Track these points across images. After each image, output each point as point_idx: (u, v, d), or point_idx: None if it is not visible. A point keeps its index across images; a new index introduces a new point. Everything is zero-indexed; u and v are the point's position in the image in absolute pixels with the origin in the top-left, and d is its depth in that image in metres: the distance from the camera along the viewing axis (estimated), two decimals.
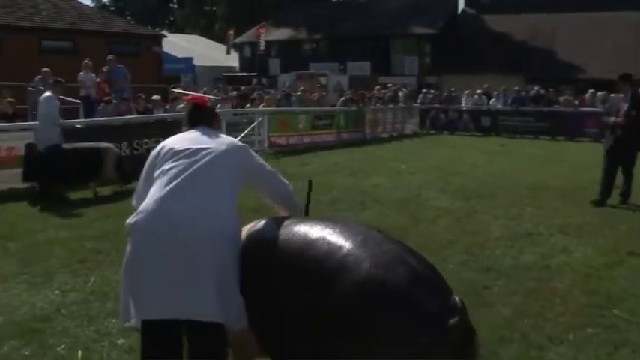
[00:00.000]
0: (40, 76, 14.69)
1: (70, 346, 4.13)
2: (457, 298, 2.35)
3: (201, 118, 3.28)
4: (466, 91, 23.29)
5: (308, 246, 2.60)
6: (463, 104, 22.87)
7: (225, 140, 3.15)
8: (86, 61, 14.96)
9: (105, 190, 9.60)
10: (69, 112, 15.61)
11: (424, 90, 25.45)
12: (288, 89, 21.88)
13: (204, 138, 3.11)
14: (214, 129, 3.27)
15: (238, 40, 43.10)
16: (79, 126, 11.19)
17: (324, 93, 23.40)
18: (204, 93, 21.29)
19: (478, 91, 23.25)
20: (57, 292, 5.13)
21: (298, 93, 20.58)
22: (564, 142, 18.99)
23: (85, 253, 6.19)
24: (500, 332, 4.35)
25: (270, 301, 2.69)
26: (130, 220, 2.85)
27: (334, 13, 41.65)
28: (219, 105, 17.19)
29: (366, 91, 22.08)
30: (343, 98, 20.44)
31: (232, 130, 15.20)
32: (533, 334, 4.35)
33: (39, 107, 9.67)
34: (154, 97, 15.37)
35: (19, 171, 9.61)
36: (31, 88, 15.20)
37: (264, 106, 16.91)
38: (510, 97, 21.95)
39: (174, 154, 3.01)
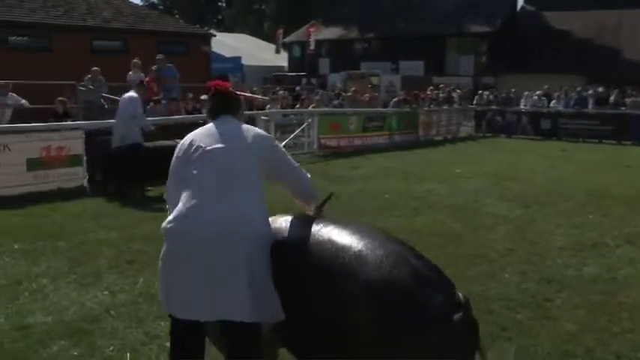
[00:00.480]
0: (89, 76, 15.13)
1: (119, 348, 4.21)
2: (461, 295, 2.51)
3: (226, 106, 3.34)
4: (525, 93, 22.95)
5: (318, 246, 2.78)
6: (522, 106, 22.51)
7: (250, 132, 3.24)
8: (135, 60, 15.30)
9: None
10: (114, 112, 16.05)
11: (480, 91, 25.16)
12: (339, 89, 21.91)
13: (231, 132, 3.19)
14: (238, 118, 3.35)
15: (288, 39, 43.43)
16: None
17: (376, 93, 23.33)
18: (253, 93, 21.50)
19: (538, 92, 22.85)
20: (106, 292, 5.24)
21: (349, 93, 20.59)
22: (631, 147, 18.44)
23: (133, 254, 6.32)
24: (563, 347, 4.24)
25: (286, 300, 2.87)
26: (165, 224, 3.00)
27: (386, 11, 41.49)
28: (268, 106, 17.36)
29: (419, 91, 21.92)
30: (395, 99, 20.35)
31: (282, 132, 15.36)
32: (599, 351, 4.22)
33: (120, 106, 10.14)
34: (203, 96, 15.61)
35: (69, 170, 9.92)
36: (81, 88, 15.66)
37: (314, 107, 16.95)
38: (572, 98, 21.49)
39: (203, 153, 3.10)
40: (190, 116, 13.36)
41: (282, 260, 2.90)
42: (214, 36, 29.14)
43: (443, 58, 38.92)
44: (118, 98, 15.98)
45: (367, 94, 21.14)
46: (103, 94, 15.32)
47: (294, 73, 41.23)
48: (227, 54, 36.87)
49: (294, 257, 2.86)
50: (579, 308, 4.99)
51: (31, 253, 6.41)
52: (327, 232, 2.86)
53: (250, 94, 20.20)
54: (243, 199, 2.98)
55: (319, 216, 3.36)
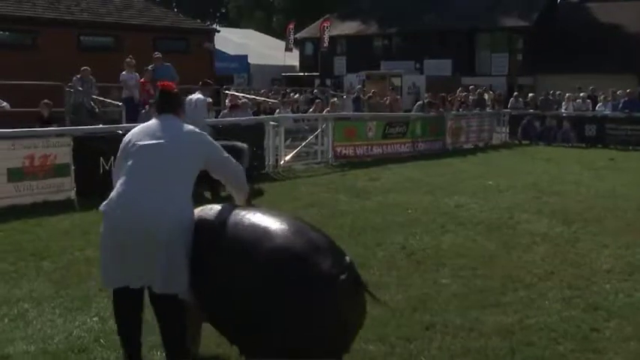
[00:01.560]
0: (78, 76, 15.25)
1: None
2: (347, 258, 3.48)
3: (169, 105, 4.26)
4: (567, 95, 22.88)
5: (235, 226, 3.76)
6: (563, 110, 22.43)
7: (186, 130, 4.18)
8: (129, 59, 15.44)
9: None
10: (108, 116, 16.14)
11: (515, 93, 25.11)
12: (357, 92, 21.98)
13: (167, 129, 4.12)
14: (179, 115, 4.27)
15: (299, 35, 43.66)
16: (120, 132, 11.51)
17: (398, 96, 23.43)
18: (260, 95, 21.60)
19: (581, 94, 22.74)
20: (95, 318, 5.25)
21: (368, 96, 20.62)
22: None
23: None
24: None
25: (205, 274, 3.81)
26: (102, 207, 4.01)
27: (409, 3, 41.54)
28: (278, 110, 17.44)
29: (446, 94, 21.92)
30: (420, 102, 20.39)
31: (292, 139, 15.41)
32: None
33: (187, 108, 10.48)
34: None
35: (55, 181, 9.99)
36: (69, 89, 15.77)
37: (328, 111, 17.00)
38: (621, 100, 21.36)
39: (138, 148, 4.05)
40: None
41: (206, 240, 3.84)
42: (218, 32, 29.37)
43: (473, 56, 38.94)
44: (109, 101, 16.15)
45: (388, 97, 21.17)
46: (93, 97, 15.45)
47: (306, 74, 41.47)
48: (232, 52, 37.13)
49: (216, 237, 3.79)
50: (631, 340, 4.93)
51: (12, 275, 6.44)
52: (242, 215, 3.82)
53: (256, 97, 20.31)
54: (169, 190, 3.92)
55: (247, 205, 4.25)
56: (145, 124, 4.26)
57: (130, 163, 4.02)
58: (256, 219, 3.75)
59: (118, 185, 4.01)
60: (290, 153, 14.71)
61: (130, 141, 4.13)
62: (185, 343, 4.06)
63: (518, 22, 37.60)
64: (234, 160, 4.36)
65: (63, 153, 10.23)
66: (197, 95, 11.30)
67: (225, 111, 15.60)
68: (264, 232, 3.61)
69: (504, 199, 10.96)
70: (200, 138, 4.20)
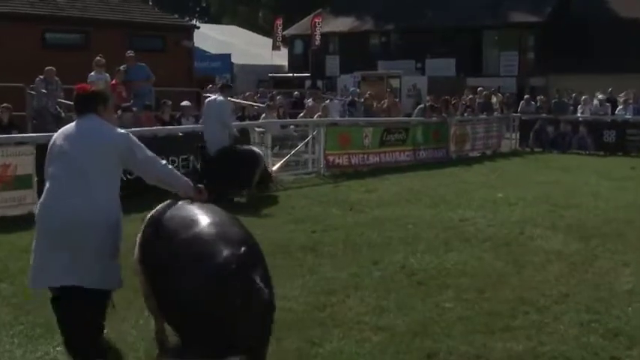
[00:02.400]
0: (42, 77, 15.17)
1: None
2: (243, 249, 4.11)
3: (87, 106, 4.78)
4: (583, 97, 22.91)
5: (169, 220, 4.52)
6: (579, 113, 22.49)
7: (106, 130, 4.71)
8: (98, 58, 15.38)
9: None
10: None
11: (526, 95, 25.18)
12: (352, 95, 21.99)
13: (87, 130, 4.68)
14: (101, 115, 4.79)
15: (288, 32, 43.79)
16: None
17: (397, 99, 23.44)
18: (245, 99, 21.61)
19: (600, 96, 22.78)
20: (59, 348, 5.19)
21: (363, 99, 20.64)
22: None
23: None
24: None
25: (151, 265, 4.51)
26: (34, 209, 4.85)
27: None
28: (263, 115, 17.42)
29: (450, 97, 21.94)
30: (421, 106, 20.40)
31: (280, 146, 15.40)
32: None
33: (210, 110, 12.07)
34: (184, 103, 15.69)
35: (15, 194, 9.92)
36: (31, 92, 15.69)
37: (319, 116, 17.00)
38: None
39: (59, 151, 4.65)
40: (168, 128, 13.39)
41: (143, 235, 4.63)
42: (197, 28, 29.36)
43: (479, 55, 39.12)
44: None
45: (385, 101, 21.19)
46: (59, 100, 15.38)
47: (295, 74, 41.52)
48: (213, 50, 37.19)
49: (151, 231, 4.55)
50: None
51: None
52: (174, 210, 4.59)
53: (241, 101, 20.30)
54: (93, 192, 4.50)
55: (195, 200, 4.80)
56: (67, 126, 4.85)
57: (51, 167, 4.67)
58: (186, 212, 4.53)
59: (44, 190, 4.68)
60: (277, 162, 14.68)
61: (52, 145, 4.76)
62: (98, 342, 4.70)
63: (528, 18, 37.79)
64: (159, 161, 4.86)
65: (24, 163, 10.13)
66: (218, 97, 12.19)
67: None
68: (186, 223, 4.38)
69: (514, 212, 10.98)
70: (116, 138, 4.70)
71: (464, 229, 9.64)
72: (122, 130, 4.85)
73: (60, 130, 4.83)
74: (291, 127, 16.94)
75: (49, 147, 4.78)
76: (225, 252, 4.10)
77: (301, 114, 18.41)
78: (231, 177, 11.41)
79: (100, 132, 4.67)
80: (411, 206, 11.46)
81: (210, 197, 4.92)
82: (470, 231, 9.49)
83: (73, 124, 4.79)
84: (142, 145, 4.82)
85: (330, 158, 15.62)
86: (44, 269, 4.56)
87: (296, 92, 28.43)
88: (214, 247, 4.15)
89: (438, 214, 10.78)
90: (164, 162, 4.93)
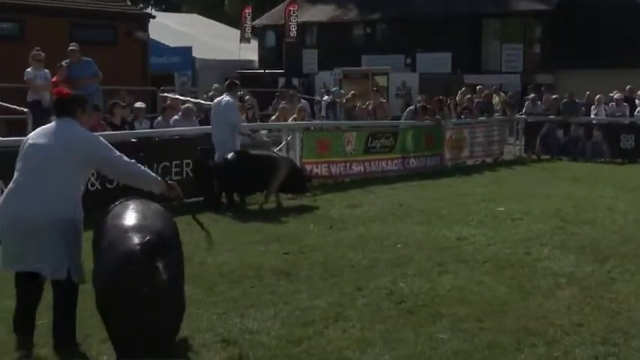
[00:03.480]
0: None
1: None
2: (148, 237, 5.02)
3: (63, 109, 5.80)
4: (597, 96, 22.96)
5: (113, 218, 5.56)
6: (593, 115, 22.61)
7: (74, 132, 5.70)
8: (36, 52, 15.24)
9: None
10: (11, 124, 15.93)
11: (532, 94, 25.26)
12: (333, 95, 21.97)
13: (57, 132, 5.68)
14: (79, 118, 5.83)
15: (258, 22, 43.80)
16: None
17: (384, 100, 23.42)
18: (210, 99, 21.51)
19: (617, 94, 22.84)
20: None
21: (345, 100, 20.64)
22: None
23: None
24: None
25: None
26: None
27: None
28: None
29: (445, 96, 22.02)
30: (411, 107, 20.41)
31: None
32: None
33: (218, 112, 13.27)
34: (137, 104, 15.57)
35: None
36: None
37: (295, 120, 17.00)
38: None
39: (27, 149, 5.69)
40: (118, 133, 13.28)
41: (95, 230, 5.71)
42: (153, 17, 29.27)
43: (478, 48, 39.30)
44: (11, 106, 15.95)
45: (371, 101, 21.20)
46: None
47: (267, 71, 41.54)
48: (172, 43, 37.04)
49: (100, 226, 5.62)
50: None
51: None
52: (120, 205, 5.70)
53: (202, 102, 20.20)
54: (54, 189, 5.48)
55: (170, 197, 6.00)
56: (44, 126, 5.88)
57: (18, 163, 5.66)
58: (121, 208, 5.61)
59: (10, 185, 5.65)
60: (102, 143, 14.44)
61: (25, 141, 5.79)
62: (72, 330, 5.71)
63: (534, 6, 38.00)
64: (128, 160, 5.84)
65: None
66: (225, 98, 13.29)
67: (160, 118, 15.41)
68: (112, 217, 5.52)
69: (519, 229, 11.01)
70: (81, 139, 5.68)
71: (461, 248, 9.65)
72: (90, 133, 5.94)
73: (36, 130, 5.93)
74: (262, 131, 16.89)
75: (22, 143, 5.80)
76: (133, 239, 5.05)
77: (273, 117, 18.34)
78: (243, 181, 12.63)
79: (68, 133, 5.64)
80: (400, 223, 11.46)
81: (176, 194, 6.00)
82: (468, 251, 9.50)
83: (50, 124, 5.83)
84: (110, 146, 5.80)
85: (308, 167, 15.59)
86: (10, 254, 5.61)
87: (245, 94, 28.33)
88: (125, 234, 5.14)
89: (431, 231, 10.79)
90: (133, 161, 5.89)
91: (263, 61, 44.06)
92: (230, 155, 12.60)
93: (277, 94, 26.14)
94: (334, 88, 26.19)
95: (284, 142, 15.52)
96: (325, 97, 25.02)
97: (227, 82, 14.08)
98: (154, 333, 5.04)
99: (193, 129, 14.62)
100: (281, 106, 18.91)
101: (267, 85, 34.24)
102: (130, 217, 5.37)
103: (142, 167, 6.03)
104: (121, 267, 4.95)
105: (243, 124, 14.80)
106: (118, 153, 5.79)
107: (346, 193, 14.53)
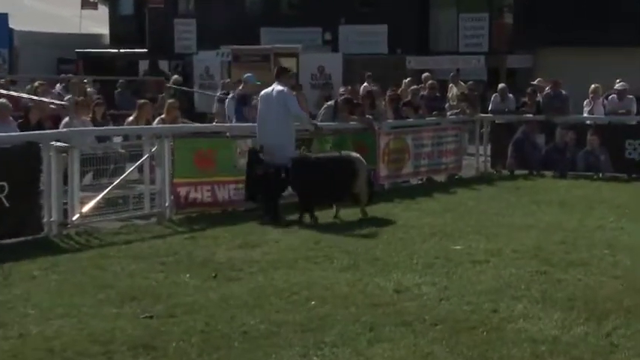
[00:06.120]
0: None
1: None
2: None
3: None
4: (592, 86, 23.31)
5: None
6: (585, 112, 22.96)
7: None
8: None
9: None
10: None
11: (502, 84, 25.56)
12: (224, 86, 21.88)
13: None
14: None
15: None
16: None
17: (293, 93, 23.43)
18: (35, 92, 21.27)
19: (618, 84, 23.06)
20: None
21: (236, 92, 20.61)
22: None
23: None
24: None
25: None
26: None
27: None
28: (65, 120, 17.13)
29: (378, 87, 22.14)
30: (331, 103, 20.46)
31: (96, 174, 15.14)
32: None
33: (269, 105, 15.11)
34: None
35: None
36: None
37: (164, 120, 16.88)
38: None
39: None
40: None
41: None
42: None
43: (426, 20, 39.70)
44: None
45: None
46: None
47: (122, 50, 41.23)
48: None
49: None
50: None
51: None
52: None
53: (23, 95, 19.96)
54: None
55: None
56: None
57: None
58: None
59: None
60: (91, 199, 14.51)
61: None
62: None
63: None
64: None
65: None
66: (277, 87, 15.16)
67: None
68: None
69: (483, 276, 11.11)
70: None
71: (401, 305, 9.70)
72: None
73: None
74: (116, 139, 16.75)
75: None
76: None
77: (130, 117, 18.18)
78: (318, 188, 15.12)
79: None
80: (315, 268, 11.52)
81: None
82: (411, 308, 9.55)
83: None
84: None
85: (182, 191, 15.56)
86: None
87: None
88: None
89: (360, 280, 10.84)
90: None
91: (116, 36, 43.79)
92: (294, 159, 15.01)
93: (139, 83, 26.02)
94: (247, 75, 25.79)
95: (146, 155, 15.37)
96: (219, 92, 24.88)
97: (276, 69, 16.35)
98: None
99: (11, 136, 14.42)
100: (141, 102, 18.80)
101: (123, 71, 34.04)
102: None
103: None
104: None
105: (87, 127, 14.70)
106: None
107: (239, 228, 14.57)
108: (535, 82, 24.65)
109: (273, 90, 15.16)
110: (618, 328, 8.85)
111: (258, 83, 21.51)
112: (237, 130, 17.76)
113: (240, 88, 20.67)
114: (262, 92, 15.94)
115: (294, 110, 15.11)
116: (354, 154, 16.30)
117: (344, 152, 16.45)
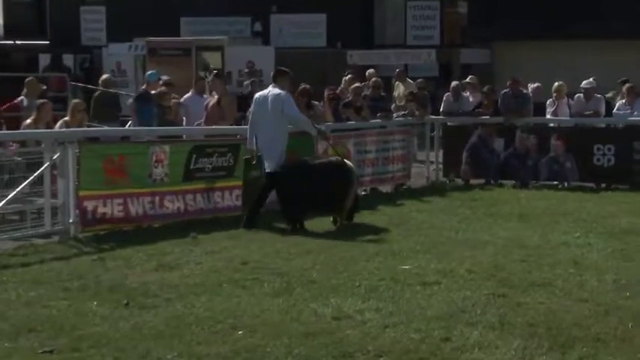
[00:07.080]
0: None
1: None
2: None
3: None
4: (556, 83, 23.50)
5: None
6: (549, 114, 23.17)
7: None
8: None
9: None
10: None
11: (455, 82, 25.72)
12: (147, 86, 21.84)
13: None
14: None
15: None
16: None
17: (216, 96, 23.43)
18: None
19: (587, 82, 23.24)
20: None
21: (156, 91, 20.59)
22: None
23: None
24: None
25: None
26: None
27: None
28: None
29: (317, 83, 22.18)
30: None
31: None
32: None
33: (264, 108, 16.07)
34: None
35: None
36: None
37: (68, 124, 16.83)
38: None
39: None
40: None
41: None
42: None
43: (370, 10, 39.85)
44: None
45: (192, 92, 21.23)
46: None
47: (18, 42, 41.04)
48: None
49: None
50: None
51: None
52: None
53: None
54: None
55: None
56: None
57: None
58: None
59: None
60: None
61: None
62: None
63: None
64: None
65: None
66: (273, 90, 16.22)
67: None
68: None
69: (434, 300, 11.18)
70: None
71: (341, 334, 9.72)
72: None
73: None
74: (11, 145, 16.67)
75: None
76: None
77: (28, 120, 18.09)
78: (306, 198, 16.20)
79: None
80: (243, 293, 11.54)
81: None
82: (351, 338, 9.58)
83: None
84: None
85: (88, 206, 15.50)
86: None
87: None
88: None
89: (293, 306, 10.88)
90: None
91: (11, 25, 43.61)
92: (284, 164, 16.29)
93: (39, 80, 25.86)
94: (150, 72, 25.74)
95: (47, 164, 15.29)
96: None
97: (273, 72, 17.40)
98: None
99: None
100: (40, 101, 18.75)
101: (19, 67, 33.84)
102: None
103: None
104: None
105: None
106: None
107: (154, 247, 14.56)
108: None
109: (269, 92, 16.00)
110: (585, 358, 8.94)
111: (161, 78, 21.75)
112: (151, 134, 17.76)
113: (143, 87, 20.76)
114: (257, 94, 16.93)
115: (294, 114, 15.95)
116: (349, 163, 17.38)
117: (334, 159, 17.43)
